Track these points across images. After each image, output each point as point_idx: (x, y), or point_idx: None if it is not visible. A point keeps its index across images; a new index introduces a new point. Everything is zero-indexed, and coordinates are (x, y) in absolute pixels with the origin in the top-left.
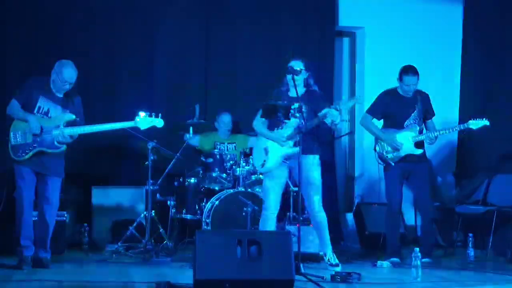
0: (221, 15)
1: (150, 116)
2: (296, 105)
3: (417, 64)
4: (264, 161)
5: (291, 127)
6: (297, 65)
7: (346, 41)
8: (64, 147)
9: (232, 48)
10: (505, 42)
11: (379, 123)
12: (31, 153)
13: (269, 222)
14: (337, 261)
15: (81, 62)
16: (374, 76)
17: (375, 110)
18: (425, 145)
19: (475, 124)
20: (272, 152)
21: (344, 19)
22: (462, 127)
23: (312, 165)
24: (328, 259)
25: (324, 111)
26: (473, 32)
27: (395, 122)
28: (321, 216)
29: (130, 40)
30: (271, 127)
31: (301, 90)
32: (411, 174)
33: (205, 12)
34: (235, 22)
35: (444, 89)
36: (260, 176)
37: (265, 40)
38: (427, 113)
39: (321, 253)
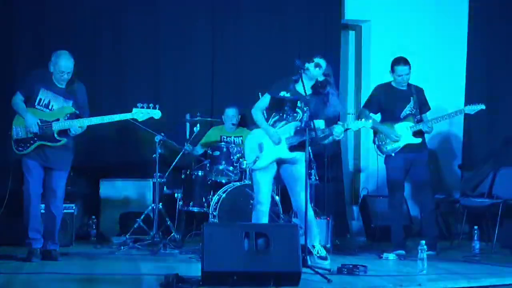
0: (227, 8)
1: (148, 107)
2: (303, 100)
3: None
4: (257, 158)
5: (291, 129)
6: (321, 63)
7: (352, 34)
8: (64, 140)
9: (238, 41)
10: (510, 33)
11: (377, 117)
12: (32, 147)
13: (264, 218)
14: (325, 253)
15: (88, 56)
16: (380, 70)
17: (371, 104)
18: (425, 135)
19: (471, 109)
20: (267, 150)
21: (350, 12)
22: (458, 113)
23: (300, 161)
24: (317, 251)
25: (334, 128)
26: (479, 24)
27: (391, 115)
28: (310, 214)
29: (136, 35)
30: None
31: (309, 89)
32: (412, 164)
33: (211, 6)
34: (241, 16)
35: (450, 81)
36: None
37: (271, 33)
38: (423, 106)
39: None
